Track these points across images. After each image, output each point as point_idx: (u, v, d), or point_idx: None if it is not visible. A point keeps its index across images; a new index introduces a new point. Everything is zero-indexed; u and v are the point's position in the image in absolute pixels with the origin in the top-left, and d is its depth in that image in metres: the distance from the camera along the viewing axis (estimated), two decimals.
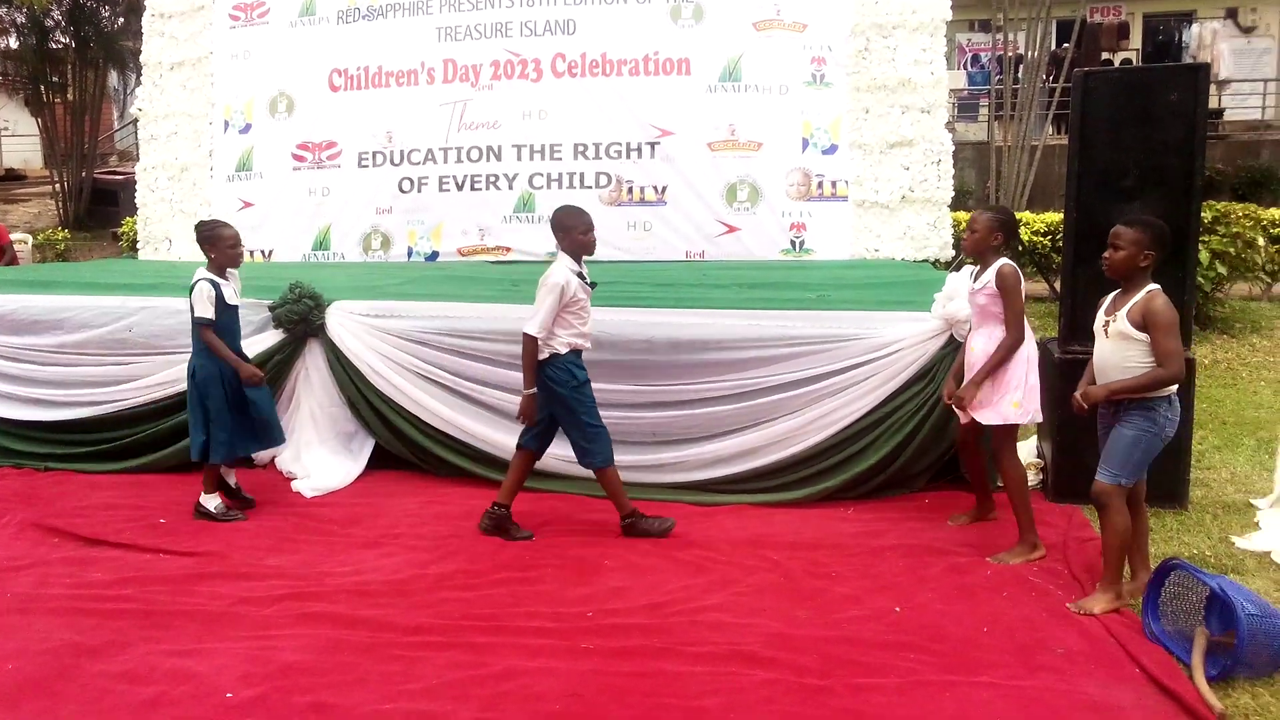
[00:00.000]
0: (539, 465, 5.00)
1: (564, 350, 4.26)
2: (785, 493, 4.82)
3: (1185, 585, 3.43)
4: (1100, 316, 3.64)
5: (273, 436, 4.78)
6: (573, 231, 4.33)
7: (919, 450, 4.73)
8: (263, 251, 7.72)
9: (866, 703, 3.01)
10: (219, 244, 4.59)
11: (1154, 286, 3.50)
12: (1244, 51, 19.29)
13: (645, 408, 4.92)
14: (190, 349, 4.71)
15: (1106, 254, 3.58)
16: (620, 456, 4.92)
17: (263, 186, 7.68)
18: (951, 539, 4.30)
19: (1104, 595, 3.56)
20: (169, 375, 5.30)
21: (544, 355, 4.27)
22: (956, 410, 4.24)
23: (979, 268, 4.21)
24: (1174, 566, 3.44)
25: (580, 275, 4.30)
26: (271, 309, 5.25)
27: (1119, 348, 3.53)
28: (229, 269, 4.67)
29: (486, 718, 2.94)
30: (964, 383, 4.15)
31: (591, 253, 4.39)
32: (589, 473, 4.95)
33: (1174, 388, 3.51)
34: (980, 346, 4.13)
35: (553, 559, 4.17)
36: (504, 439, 5.00)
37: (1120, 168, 4.47)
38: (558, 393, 4.29)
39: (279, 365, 5.24)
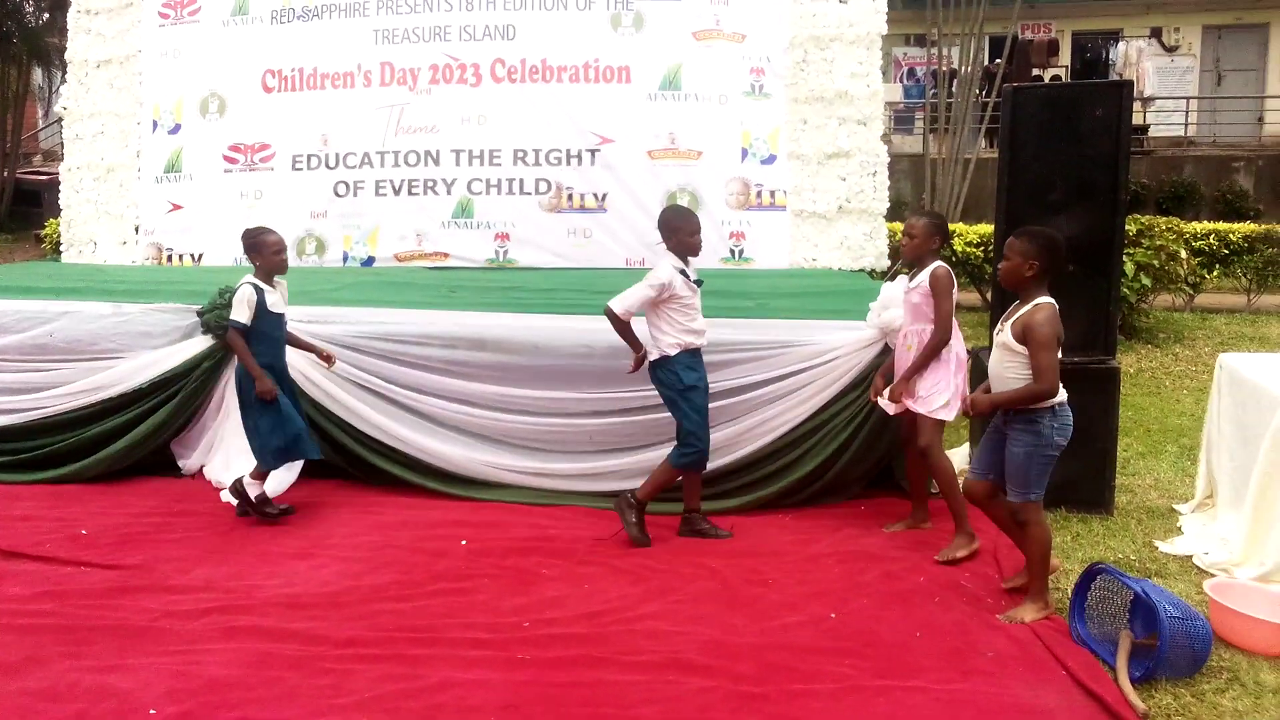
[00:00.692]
0: (475, 474, 4.97)
1: (674, 352, 4.31)
2: (723, 501, 4.82)
3: (1110, 589, 3.51)
4: (998, 324, 3.71)
5: (304, 449, 4.65)
6: (680, 232, 4.40)
7: (854, 458, 4.78)
8: (193, 255, 7.53)
9: (802, 709, 3.03)
10: (263, 250, 4.52)
11: (1043, 300, 3.51)
12: (1167, 70, 19.97)
13: (584, 415, 4.90)
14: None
15: (1000, 264, 3.65)
16: (559, 464, 4.93)
17: (193, 188, 7.50)
18: (886, 545, 4.36)
19: (1033, 605, 3.60)
20: (91, 382, 5.15)
21: (654, 356, 4.34)
22: (885, 405, 4.33)
23: (915, 270, 4.31)
24: (1099, 571, 3.52)
25: (684, 274, 4.34)
26: (200, 314, 5.12)
27: (1001, 358, 3.58)
28: (276, 276, 4.60)
29: None
30: (894, 380, 4.28)
31: (697, 254, 4.47)
32: (527, 481, 4.94)
33: (1062, 398, 3.53)
34: (915, 343, 4.25)
35: (489, 569, 4.12)
36: (440, 447, 4.96)
37: (1048, 181, 4.58)
38: (665, 394, 4.39)
39: (208, 372, 5.11)
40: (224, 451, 5.10)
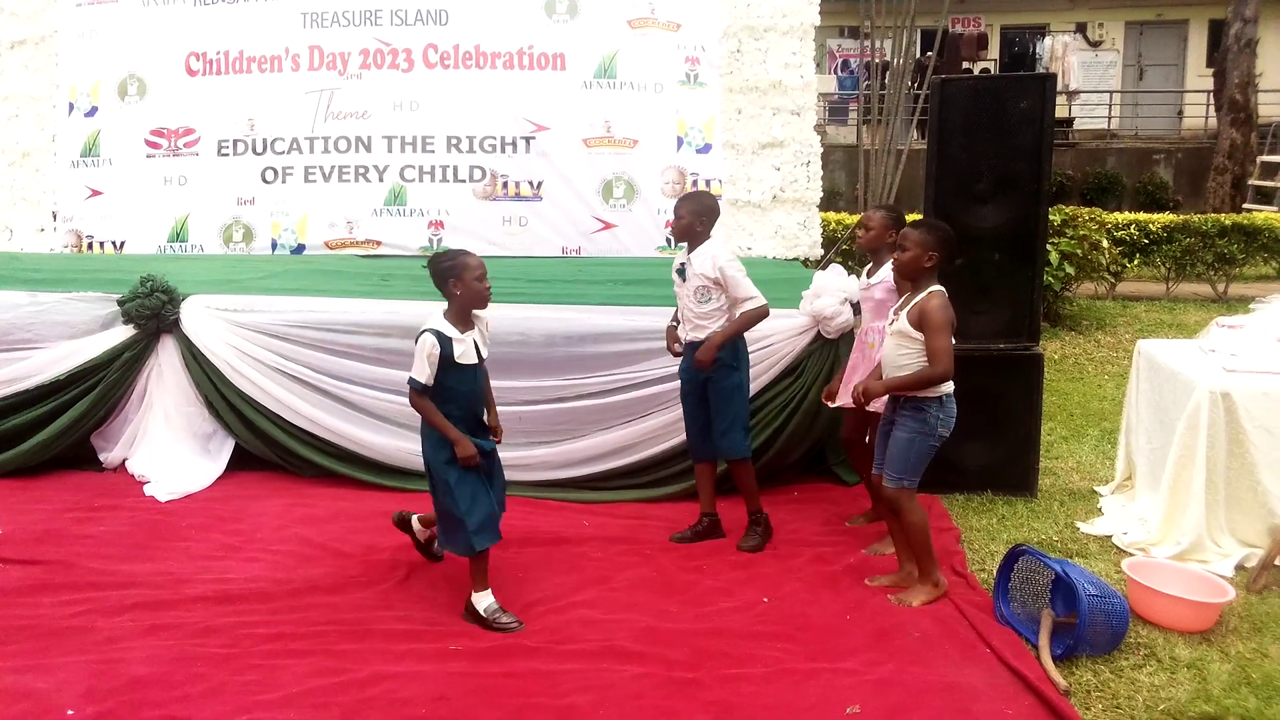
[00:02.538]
0: (409, 465, 4.91)
1: None
2: (659, 489, 4.85)
3: (1033, 570, 3.61)
4: (890, 314, 3.77)
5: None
6: (713, 218, 4.32)
7: (788, 444, 4.83)
8: (114, 243, 7.29)
9: (734, 693, 3.06)
10: (464, 276, 3.51)
11: (936, 287, 3.59)
12: (1092, 64, 20.49)
13: (519, 404, 4.87)
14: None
15: (896, 254, 3.71)
16: None
17: (112, 174, 7.24)
18: (818, 531, 4.42)
19: (923, 588, 3.67)
20: (6, 374, 4.99)
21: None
22: (843, 403, 4.30)
23: (872, 264, 4.31)
24: (1022, 552, 3.61)
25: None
26: (120, 303, 4.97)
27: (897, 345, 3.63)
28: (475, 310, 3.63)
29: None
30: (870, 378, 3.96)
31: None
32: None
33: (948, 389, 3.60)
34: (876, 342, 4.18)
35: (422, 560, 4.08)
36: (371, 438, 4.89)
37: (975, 172, 4.66)
38: (723, 384, 4.22)
39: (129, 363, 4.97)
40: (147, 444, 4.97)
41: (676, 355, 4.36)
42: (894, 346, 3.65)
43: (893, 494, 3.66)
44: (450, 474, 3.54)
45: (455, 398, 3.57)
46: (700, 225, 4.21)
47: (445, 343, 3.50)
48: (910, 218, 4.20)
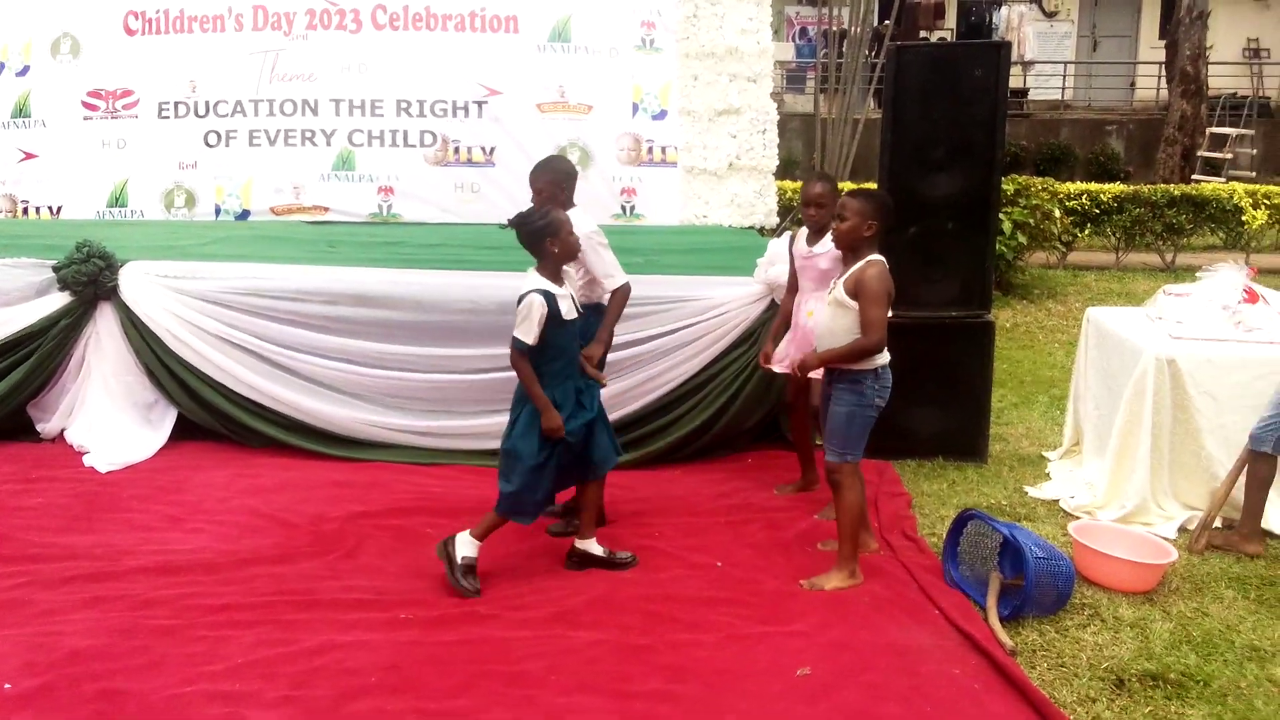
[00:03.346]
0: (356, 434, 4.85)
1: None
2: None
3: (981, 533, 3.64)
4: (831, 283, 3.66)
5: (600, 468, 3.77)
6: None
7: (741, 412, 4.83)
8: (50, 208, 7.06)
9: (687, 658, 3.06)
10: (561, 232, 3.51)
11: (875, 257, 3.49)
12: (1047, 35, 20.64)
13: (470, 372, 4.81)
14: None
15: (835, 224, 3.61)
16: (443, 422, 4.84)
17: (47, 136, 6.98)
18: (771, 498, 4.43)
19: (839, 573, 3.56)
20: None
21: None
22: (777, 369, 4.30)
23: (811, 233, 4.20)
24: (971, 517, 3.65)
25: None
26: (56, 270, 4.81)
27: (833, 315, 3.52)
28: (567, 266, 3.67)
29: (296, 695, 2.82)
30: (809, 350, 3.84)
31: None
32: (410, 441, 4.85)
33: (883, 360, 3.52)
34: (819, 309, 4.13)
35: (371, 530, 4.03)
36: (319, 406, 4.81)
37: (930, 140, 4.64)
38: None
39: (66, 330, 4.83)
40: (86, 414, 4.84)
41: None
42: (830, 316, 3.56)
43: (833, 468, 3.57)
44: (534, 444, 3.53)
45: (561, 353, 3.58)
46: (561, 193, 3.97)
47: (551, 301, 3.48)
48: (868, 186, 4.16)
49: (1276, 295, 4.44)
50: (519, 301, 3.50)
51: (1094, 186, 10.96)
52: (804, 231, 4.24)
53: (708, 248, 5.99)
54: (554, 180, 3.99)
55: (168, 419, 4.94)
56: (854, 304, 3.45)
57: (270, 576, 3.61)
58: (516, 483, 3.55)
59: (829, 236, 4.03)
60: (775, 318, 4.49)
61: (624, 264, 5.22)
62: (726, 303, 4.81)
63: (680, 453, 4.84)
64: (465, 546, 3.55)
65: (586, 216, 3.97)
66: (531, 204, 3.91)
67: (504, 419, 4.78)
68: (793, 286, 4.30)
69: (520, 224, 3.55)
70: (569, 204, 3.98)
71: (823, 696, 2.82)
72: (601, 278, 3.98)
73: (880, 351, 3.47)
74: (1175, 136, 14.90)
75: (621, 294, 4.03)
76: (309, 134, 6.97)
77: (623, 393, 4.80)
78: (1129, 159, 17.72)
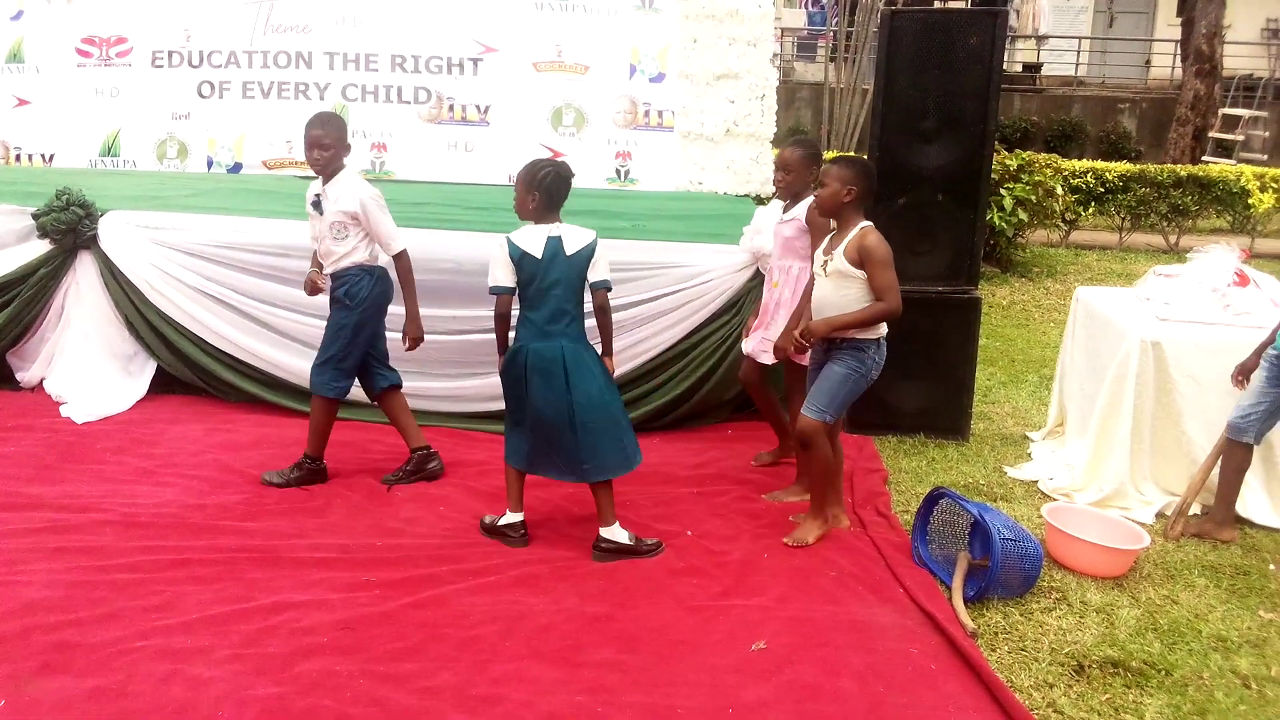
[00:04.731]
0: None
1: None
2: None
3: (953, 513, 3.61)
4: (819, 255, 3.62)
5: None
6: None
7: (723, 381, 4.79)
8: (42, 155, 7.00)
9: (643, 627, 3.04)
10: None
11: (867, 224, 3.50)
12: (1063, 9, 20.29)
13: (449, 333, 4.77)
14: None
15: (818, 191, 3.62)
16: (422, 383, 4.80)
17: (39, 82, 6.92)
18: (746, 469, 4.39)
19: (813, 524, 3.64)
20: None
21: None
22: (748, 346, 4.25)
23: (791, 200, 4.17)
24: (941, 495, 3.61)
25: None
26: (35, 217, 4.77)
27: (837, 286, 3.50)
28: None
29: (246, 653, 2.80)
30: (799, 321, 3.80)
31: None
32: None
33: (883, 331, 3.54)
34: (781, 280, 4.14)
35: (342, 489, 4.02)
36: (297, 363, 4.77)
37: (921, 109, 4.56)
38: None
39: (45, 279, 4.80)
40: (65, 364, 4.82)
41: (313, 296, 4.11)
42: (833, 287, 3.51)
43: (808, 426, 3.53)
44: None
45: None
46: (344, 151, 3.92)
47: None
48: (845, 155, 4.11)
49: (1268, 279, 4.37)
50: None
51: (1100, 165, 10.83)
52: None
53: (698, 214, 5.91)
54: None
55: (146, 371, 4.92)
56: (858, 272, 3.45)
57: (236, 532, 3.60)
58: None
59: (802, 205, 3.99)
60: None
61: (611, 229, 5.18)
62: (710, 270, 4.75)
63: (659, 421, 4.81)
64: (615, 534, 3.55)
65: (361, 178, 3.94)
66: (312, 159, 3.87)
67: (483, 382, 4.81)
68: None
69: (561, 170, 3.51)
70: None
71: (776, 671, 2.80)
72: (383, 241, 3.93)
73: (897, 314, 3.46)
74: (1187, 116, 14.70)
75: (406, 260, 3.97)
76: (303, 87, 6.89)
77: None
78: (1141, 138, 17.48)
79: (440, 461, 4.20)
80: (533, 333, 3.47)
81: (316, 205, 3.93)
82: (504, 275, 3.47)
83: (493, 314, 3.58)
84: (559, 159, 3.69)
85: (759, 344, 4.14)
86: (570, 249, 3.47)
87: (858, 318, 3.47)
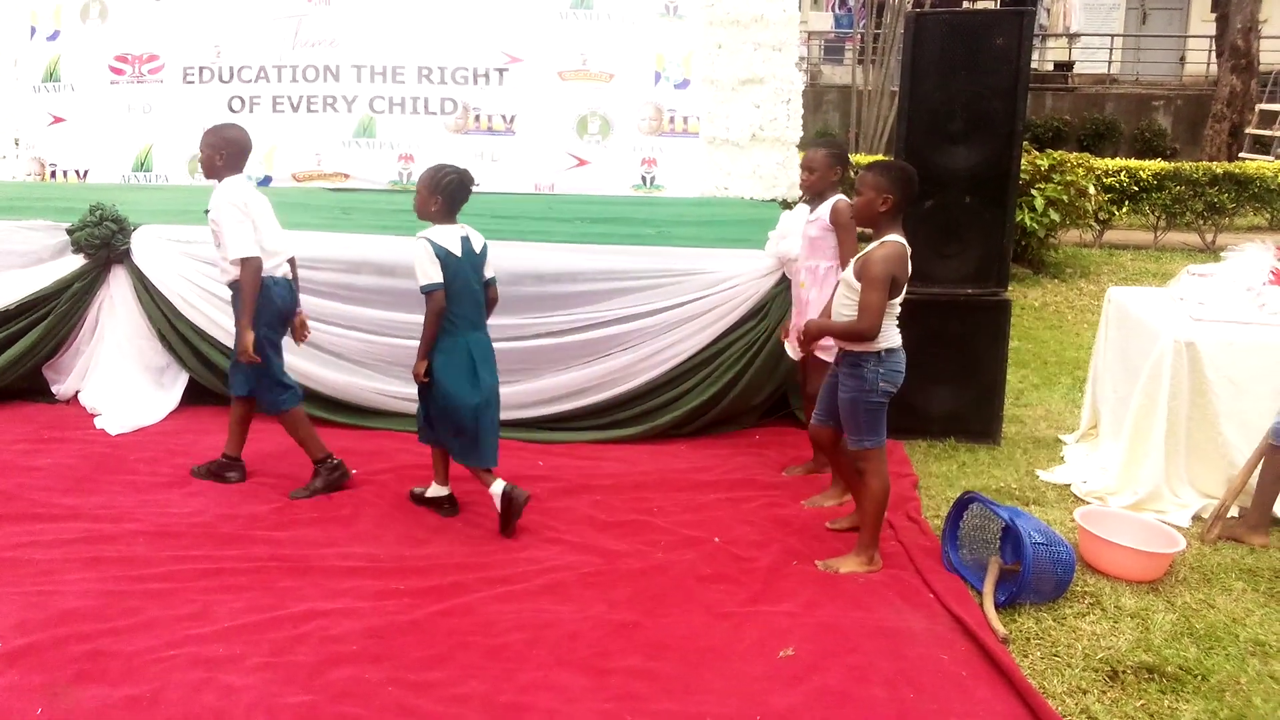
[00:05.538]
0: (362, 401, 4.86)
1: None
2: (619, 430, 4.79)
3: (984, 518, 3.56)
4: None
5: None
6: None
7: (749, 388, 4.77)
8: (77, 171, 7.13)
9: (670, 635, 3.03)
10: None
11: (891, 238, 3.31)
12: (1094, 6, 20.08)
13: None
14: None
15: (854, 200, 3.52)
16: None
17: (75, 100, 7.05)
18: (774, 476, 4.37)
19: (857, 558, 3.47)
20: None
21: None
22: (790, 350, 4.25)
23: (815, 202, 4.18)
24: (972, 500, 3.57)
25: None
26: (70, 232, 4.85)
27: (842, 294, 3.42)
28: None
29: (277, 661, 2.83)
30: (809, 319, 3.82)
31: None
32: (414, 409, 4.84)
33: (892, 343, 3.37)
34: (809, 280, 4.14)
35: (371, 498, 4.04)
36: (326, 373, 4.82)
37: (948, 110, 4.52)
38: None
39: (79, 293, 4.88)
40: (99, 376, 4.90)
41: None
42: (839, 296, 3.46)
43: (855, 455, 3.49)
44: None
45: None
46: (220, 159, 3.92)
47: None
48: (881, 159, 4.10)
49: None
50: None
51: (1133, 163, 10.68)
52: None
53: (723, 220, 5.90)
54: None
55: (179, 382, 4.98)
56: (857, 285, 3.31)
57: (267, 542, 3.63)
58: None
59: (826, 205, 4.01)
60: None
61: (636, 235, 5.20)
62: (736, 276, 4.74)
63: (686, 428, 4.80)
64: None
65: (235, 188, 3.92)
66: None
67: (511, 389, 4.81)
68: None
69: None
70: (230, 170, 3.96)
71: (804, 678, 2.78)
72: (225, 246, 3.88)
73: (869, 339, 3.30)
74: (1223, 113, 14.48)
75: (249, 273, 3.87)
76: (330, 100, 6.96)
77: (629, 366, 4.76)
78: (1176, 136, 17.24)
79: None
80: (466, 325, 3.74)
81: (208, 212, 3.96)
82: (436, 273, 3.65)
83: (428, 315, 3.70)
84: (462, 166, 3.83)
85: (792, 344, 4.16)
86: (476, 248, 3.79)
87: (834, 328, 3.40)
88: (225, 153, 3.93)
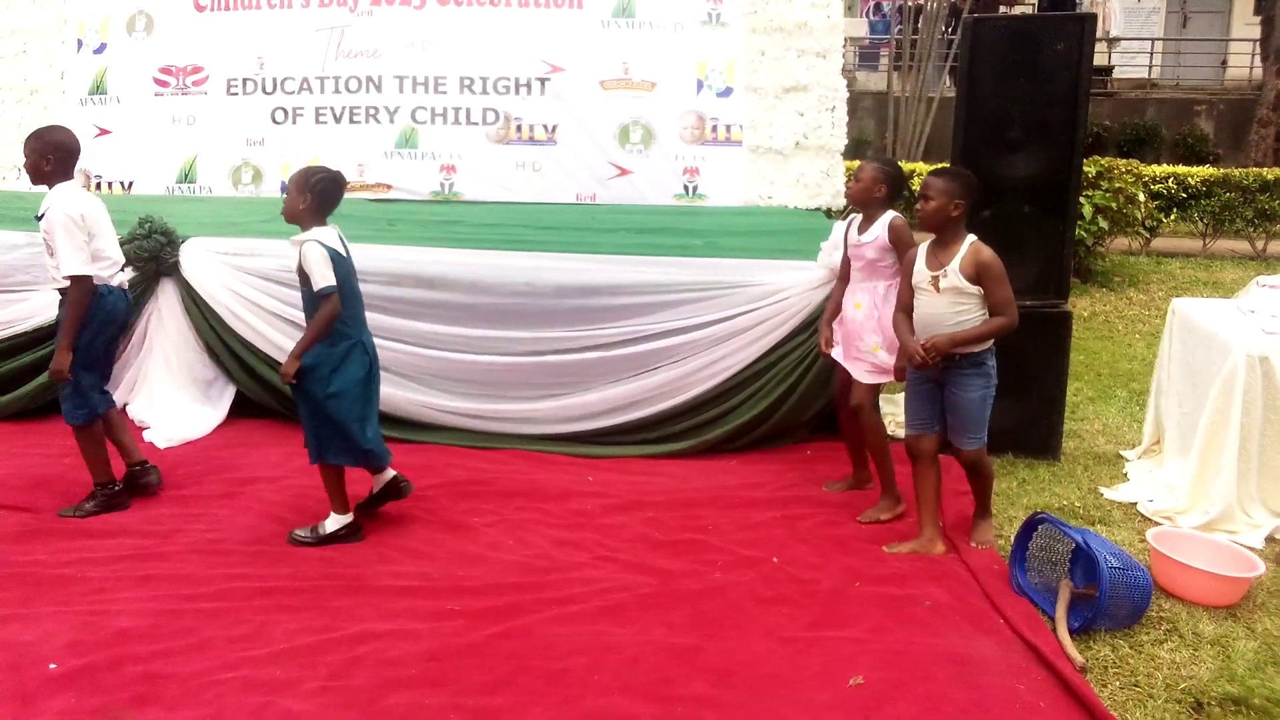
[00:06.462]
0: (410, 415, 4.81)
1: None
2: (668, 444, 4.72)
3: (1052, 538, 3.45)
4: (924, 270, 3.55)
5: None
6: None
7: (801, 402, 4.68)
8: (122, 183, 7.17)
9: (734, 660, 2.94)
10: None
11: (974, 237, 3.50)
12: (1134, 10, 19.79)
13: (524, 355, 4.74)
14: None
15: (918, 205, 3.55)
16: (497, 405, 4.78)
17: (120, 112, 7.10)
18: (829, 493, 4.27)
19: (980, 532, 3.75)
20: (3, 316, 4.89)
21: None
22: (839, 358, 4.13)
23: (863, 220, 4.09)
24: (1041, 520, 3.46)
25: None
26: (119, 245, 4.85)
27: (953, 302, 3.48)
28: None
29: (334, 685, 2.77)
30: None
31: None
32: (463, 423, 4.81)
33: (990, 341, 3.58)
34: (867, 302, 4.02)
35: (422, 514, 3.99)
36: None
37: (1006, 118, 4.42)
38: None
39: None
40: (148, 390, 4.89)
41: None
42: (948, 304, 3.48)
43: (974, 457, 3.64)
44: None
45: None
46: (48, 164, 3.74)
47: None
48: (945, 166, 4.00)
49: None
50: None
51: (1181, 169, 10.48)
52: (858, 219, 4.08)
53: (771, 229, 5.82)
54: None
55: (226, 396, 4.97)
56: (974, 288, 3.45)
57: (318, 559, 3.59)
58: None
59: (878, 224, 3.91)
60: (828, 305, 4.32)
61: (683, 246, 5.13)
62: (788, 288, 4.65)
63: (736, 443, 4.71)
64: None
65: (73, 197, 3.75)
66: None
67: (558, 403, 4.78)
68: (844, 275, 4.15)
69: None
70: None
71: (876, 708, 2.68)
72: (59, 262, 3.69)
73: (1014, 328, 3.51)
74: (1269, 118, 14.19)
75: (78, 291, 3.70)
76: (373, 111, 6.95)
77: (678, 379, 4.68)
78: (1219, 141, 16.92)
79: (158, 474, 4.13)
80: (357, 327, 3.71)
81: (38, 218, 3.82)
82: (332, 274, 3.59)
83: (321, 317, 3.60)
84: (335, 169, 3.82)
85: (852, 364, 4.03)
86: (350, 251, 3.80)
87: (980, 333, 3.48)
88: (53, 157, 3.74)
